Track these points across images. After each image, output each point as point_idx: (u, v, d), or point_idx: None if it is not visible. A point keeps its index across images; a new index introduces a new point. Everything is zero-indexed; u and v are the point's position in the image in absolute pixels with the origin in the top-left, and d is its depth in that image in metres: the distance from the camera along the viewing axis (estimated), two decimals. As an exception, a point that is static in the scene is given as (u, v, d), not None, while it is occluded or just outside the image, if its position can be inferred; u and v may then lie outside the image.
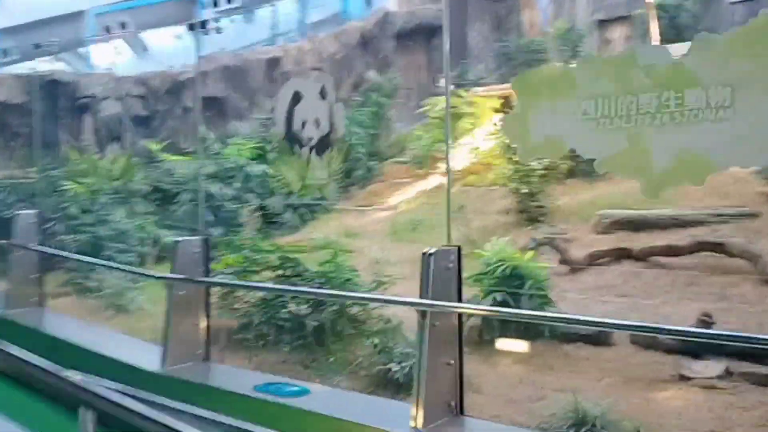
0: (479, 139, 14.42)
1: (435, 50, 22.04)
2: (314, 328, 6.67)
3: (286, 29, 38.43)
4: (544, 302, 6.53)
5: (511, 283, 6.45)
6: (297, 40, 17.51)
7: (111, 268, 8.01)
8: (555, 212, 10.57)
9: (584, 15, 21.63)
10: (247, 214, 12.49)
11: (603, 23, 21.36)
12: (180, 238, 4.94)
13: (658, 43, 14.19)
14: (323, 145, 4.68)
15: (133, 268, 8.25)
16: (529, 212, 10.51)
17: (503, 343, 6.34)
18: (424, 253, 3.11)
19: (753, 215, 8.50)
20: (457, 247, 3.27)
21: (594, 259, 8.22)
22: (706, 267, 7.50)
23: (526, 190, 10.44)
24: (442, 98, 15.44)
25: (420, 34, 21.02)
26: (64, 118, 13.21)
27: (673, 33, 19.04)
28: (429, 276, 3.26)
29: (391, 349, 6.05)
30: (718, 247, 7.47)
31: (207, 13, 29.45)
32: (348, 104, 17.40)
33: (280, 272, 7.55)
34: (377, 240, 12.01)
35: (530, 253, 6.95)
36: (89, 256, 8.78)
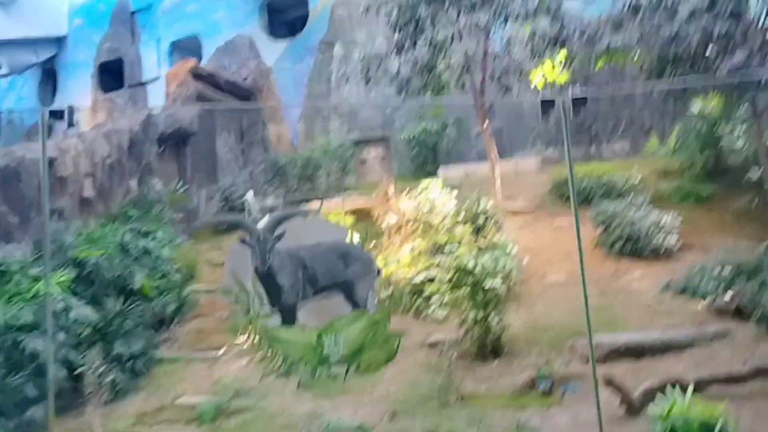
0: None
1: (186, 158, 19.52)
2: None
3: None
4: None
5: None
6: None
7: None
8: (512, 341, 9.66)
9: (338, 134, 21.73)
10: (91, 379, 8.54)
11: (358, 144, 21.69)
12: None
13: (495, 158, 14.76)
14: None
15: None
16: (484, 344, 9.38)
17: None
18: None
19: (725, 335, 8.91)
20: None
21: (648, 396, 7.52)
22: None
23: (481, 317, 9.27)
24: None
25: (174, 140, 18.34)
26: None
27: (432, 156, 20.44)
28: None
29: None
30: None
31: None
32: (123, 218, 13.97)
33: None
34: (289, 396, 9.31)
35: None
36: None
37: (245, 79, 22.48)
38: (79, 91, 27.20)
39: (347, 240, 4.00)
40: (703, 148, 15.53)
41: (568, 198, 15.66)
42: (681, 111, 18.26)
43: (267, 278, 3.60)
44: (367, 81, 14.81)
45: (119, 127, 14.73)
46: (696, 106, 15.42)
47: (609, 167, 16.45)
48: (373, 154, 21.99)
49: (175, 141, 18.53)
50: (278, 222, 3.72)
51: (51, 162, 11.96)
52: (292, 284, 3.64)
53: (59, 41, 27.83)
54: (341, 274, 3.66)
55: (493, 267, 9.17)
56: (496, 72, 13.71)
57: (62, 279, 9.38)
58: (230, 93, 21.55)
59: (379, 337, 3.52)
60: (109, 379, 8.77)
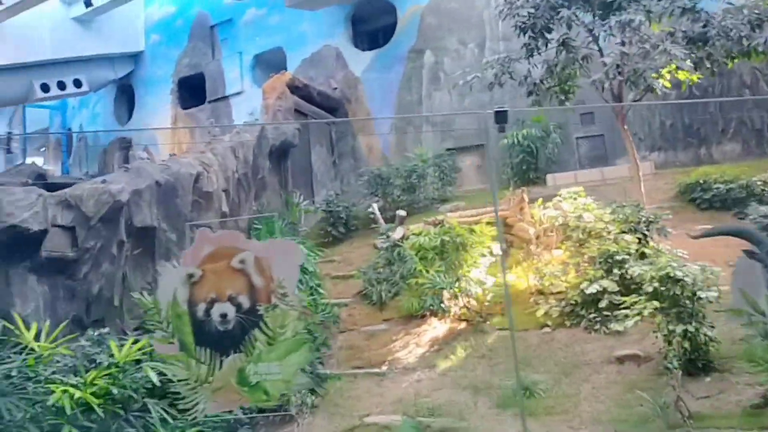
0: (482, 273, 12.27)
1: (287, 171, 19.27)
2: None
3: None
4: None
5: None
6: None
7: None
8: (716, 355, 9.09)
9: (431, 142, 21.35)
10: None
11: (453, 152, 21.27)
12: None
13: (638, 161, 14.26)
14: None
15: None
16: (692, 359, 8.84)
17: None
18: None
19: None
20: None
21: None
22: None
23: (693, 330, 8.67)
24: (424, 227, 13.13)
25: (278, 153, 18.10)
26: None
27: (534, 163, 19.95)
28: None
29: None
30: None
31: None
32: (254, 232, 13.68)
33: None
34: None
35: None
36: None
37: (334, 89, 22.26)
38: (156, 107, 27.28)
39: None
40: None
41: (700, 203, 15.20)
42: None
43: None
44: (491, 86, 14.37)
45: (243, 139, 14.48)
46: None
47: (736, 169, 15.82)
48: (468, 162, 21.60)
49: (278, 154, 18.31)
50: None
51: (197, 177, 11.74)
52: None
53: (136, 57, 27.94)
54: None
55: (703, 277, 8.65)
56: (638, 72, 13.16)
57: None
58: (321, 105, 21.35)
59: None
60: (312, 398, 8.39)
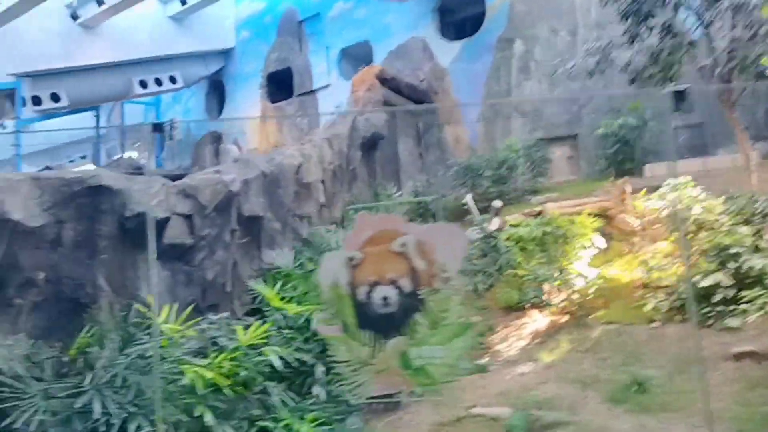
0: (583, 265, 11.98)
1: (375, 162, 19.38)
2: None
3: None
4: None
5: None
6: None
7: None
8: None
9: (521, 133, 20.98)
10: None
11: (542, 142, 20.83)
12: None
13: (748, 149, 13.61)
14: None
15: None
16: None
17: None
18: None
19: None
20: None
21: None
22: None
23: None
24: (522, 219, 12.96)
25: (368, 144, 18.22)
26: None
27: (630, 153, 19.31)
28: None
29: None
30: None
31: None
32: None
33: None
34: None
35: None
36: None
37: (422, 81, 22.21)
38: (245, 101, 27.99)
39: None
40: None
41: (817, 194, 14.32)
42: None
43: None
44: (592, 74, 13.99)
45: (338, 131, 14.66)
46: None
47: None
48: (558, 153, 21.12)
49: (368, 146, 18.44)
50: None
51: (297, 168, 11.96)
52: None
53: (226, 53, 28.74)
54: None
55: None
56: (749, 57, 12.50)
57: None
58: (409, 97, 21.36)
59: None
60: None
